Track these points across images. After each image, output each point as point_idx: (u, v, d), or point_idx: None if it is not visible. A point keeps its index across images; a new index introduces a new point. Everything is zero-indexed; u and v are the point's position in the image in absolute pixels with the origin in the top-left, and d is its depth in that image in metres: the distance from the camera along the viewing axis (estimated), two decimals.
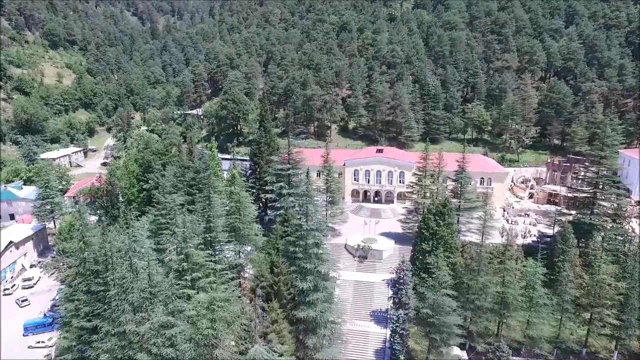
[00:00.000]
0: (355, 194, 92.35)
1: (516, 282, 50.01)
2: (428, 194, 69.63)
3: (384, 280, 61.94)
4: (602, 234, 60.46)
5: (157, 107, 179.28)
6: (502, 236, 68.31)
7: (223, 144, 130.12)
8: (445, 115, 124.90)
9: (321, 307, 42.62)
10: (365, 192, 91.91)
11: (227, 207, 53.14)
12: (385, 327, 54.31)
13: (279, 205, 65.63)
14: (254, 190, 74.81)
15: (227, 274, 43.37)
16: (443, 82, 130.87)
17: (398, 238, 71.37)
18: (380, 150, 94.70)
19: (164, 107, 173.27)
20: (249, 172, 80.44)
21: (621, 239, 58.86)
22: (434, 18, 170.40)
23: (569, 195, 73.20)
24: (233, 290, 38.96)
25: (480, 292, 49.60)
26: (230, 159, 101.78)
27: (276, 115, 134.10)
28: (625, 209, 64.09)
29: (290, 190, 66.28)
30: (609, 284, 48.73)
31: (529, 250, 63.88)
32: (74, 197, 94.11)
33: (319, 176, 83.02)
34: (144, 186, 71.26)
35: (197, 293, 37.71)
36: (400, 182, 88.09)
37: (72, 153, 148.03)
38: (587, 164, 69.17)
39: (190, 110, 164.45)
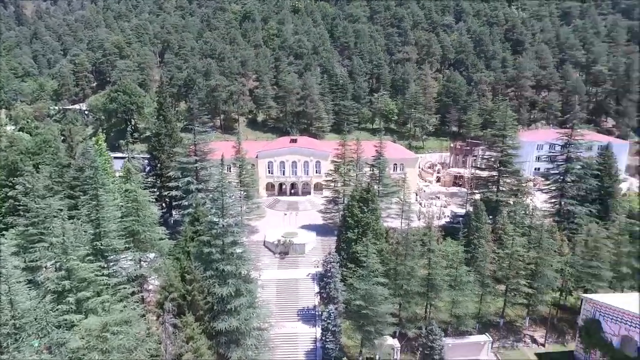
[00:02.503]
0: (270, 187, 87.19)
1: (440, 263, 50.01)
2: (348, 182, 67.63)
3: (308, 275, 58.16)
4: (507, 209, 64.23)
5: (27, 102, 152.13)
6: (419, 219, 69.39)
7: (114, 141, 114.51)
8: (354, 105, 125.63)
9: (245, 313, 37.09)
10: (281, 184, 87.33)
11: (121, 209, 44.27)
12: (314, 326, 50.54)
13: (186, 203, 57.80)
14: (155, 189, 65.24)
15: (125, 288, 35.54)
16: (350, 73, 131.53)
17: (319, 230, 68.34)
18: (294, 140, 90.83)
19: (36, 102, 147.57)
20: (148, 168, 70.35)
21: (524, 212, 63.00)
22: (337, 10, 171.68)
23: (473, 175, 77.31)
24: (134, 308, 31.50)
25: (409, 277, 48.49)
26: (124, 157, 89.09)
27: (177, 109, 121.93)
28: (524, 184, 69.13)
29: (199, 185, 58.82)
30: (520, 255, 51.14)
31: (445, 231, 65.58)
32: None
33: (230, 170, 76.25)
34: (9, 193, 57.63)
35: (86, 317, 29.71)
36: (316, 172, 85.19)
37: None
38: (487, 145, 73.62)
39: (72, 105, 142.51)
